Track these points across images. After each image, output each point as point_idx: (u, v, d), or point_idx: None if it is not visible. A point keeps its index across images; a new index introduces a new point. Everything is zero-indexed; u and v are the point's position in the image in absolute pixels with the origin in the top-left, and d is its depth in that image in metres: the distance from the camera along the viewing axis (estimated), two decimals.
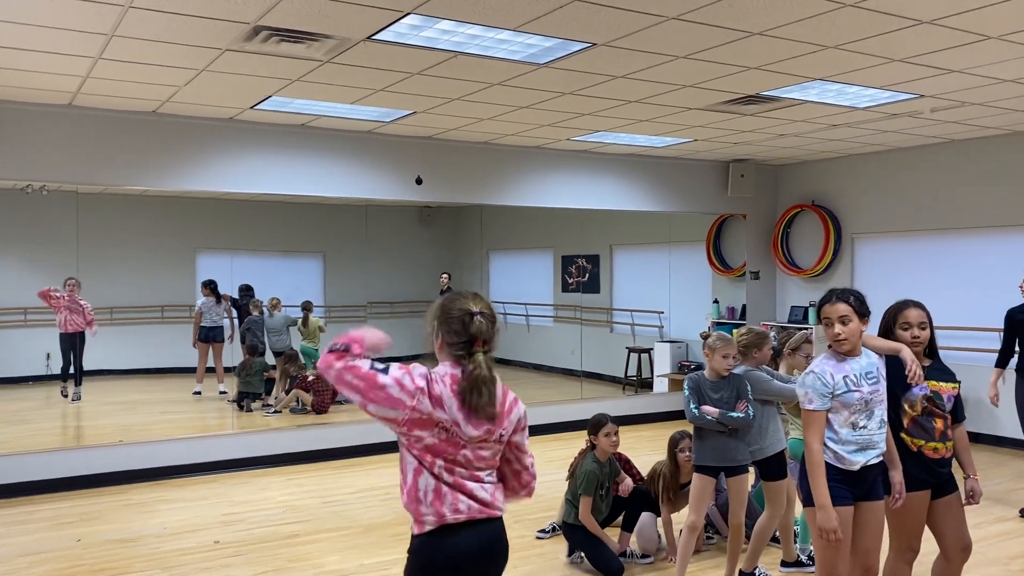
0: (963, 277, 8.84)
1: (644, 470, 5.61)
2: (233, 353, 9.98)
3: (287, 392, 9.71)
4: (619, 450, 5.27)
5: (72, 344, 9.01)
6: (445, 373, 2.38)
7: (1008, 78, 6.07)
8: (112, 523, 6.00)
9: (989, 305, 8.52)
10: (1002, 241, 8.52)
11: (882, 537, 3.58)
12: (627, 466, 5.53)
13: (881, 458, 3.48)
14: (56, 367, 9.26)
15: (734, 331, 4.72)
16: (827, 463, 3.39)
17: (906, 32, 4.97)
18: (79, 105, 6.84)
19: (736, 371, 4.45)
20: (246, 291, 10.59)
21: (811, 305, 10.06)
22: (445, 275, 11.62)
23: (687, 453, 5.03)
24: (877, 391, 3.45)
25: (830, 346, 3.52)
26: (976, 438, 8.65)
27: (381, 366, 2.33)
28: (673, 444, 5.26)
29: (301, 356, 10.13)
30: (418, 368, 2.37)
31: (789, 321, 10.24)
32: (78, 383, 9.00)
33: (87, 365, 9.39)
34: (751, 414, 4.34)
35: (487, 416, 2.35)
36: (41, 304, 9.06)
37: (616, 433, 5.03)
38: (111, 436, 7.86)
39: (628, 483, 5.23)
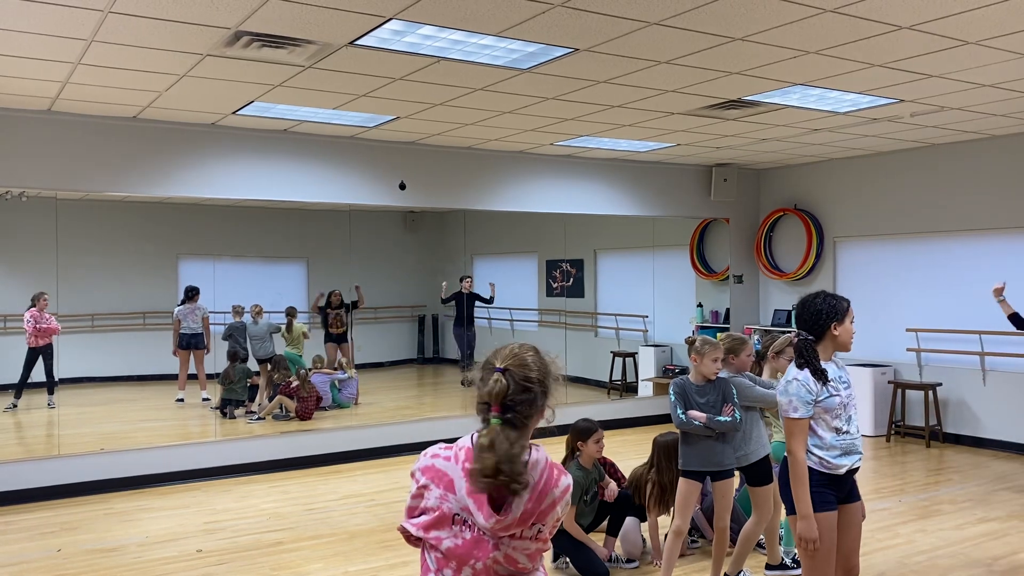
0: (944, 280, 8.91)
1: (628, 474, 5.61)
2: (216, 360, 9.92)
3: (271, 399, 9.66)
4: (603, 454, 5.26)
5: (39, 357, 8.90)
6: (462, 446, 1.98)
7: (986, 83, 6.13)
8: (93, 532, 5.93)
9: (969, 308, 8.60)
10: (983, 244, 8.60)
11: (861, 537, 3.61)
12: (611, 469, 5.52)
13: (861, 463, 3.50)
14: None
15: (717, 335, 4.72)
16: (813, 468, 3.39)
17: (885, 37, 5.01)
18: (59, 111, 6.78)
19: (720, 375, 4.45)
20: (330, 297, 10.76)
21: (794, 309, 10.11)
22: (468, 278, 11.46)
23: None
24: (851, 395, 3.48)
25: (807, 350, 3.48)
26: (958, 439, 8.73)
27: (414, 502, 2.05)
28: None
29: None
30: (424, 456, 2.04)
31: (772, 324, 10.30)
32: (51, 392, 8.91)
33: (69, 372, 9.30)
34: (738, 417, 4.34)
35: (481, 489, 1.90)
36: (19, 311, 8.96)
37: (603, 438, 5.03)
38: (92, 444, 7.78)
39: (613, 488, 5.22)
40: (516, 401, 1.93)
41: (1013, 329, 6.72)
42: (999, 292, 6.53)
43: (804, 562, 3.46)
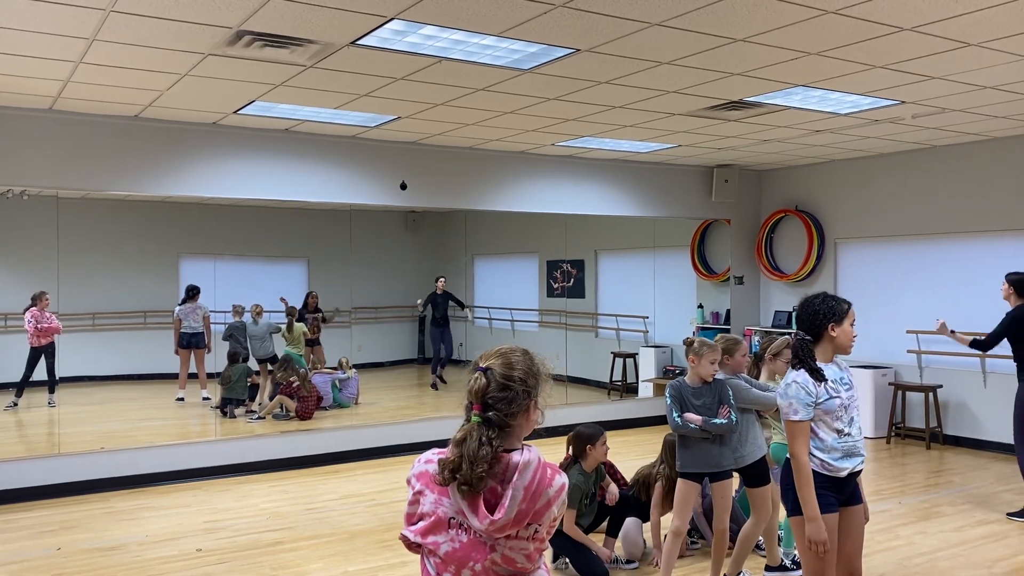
0: (944, 281, 8.91)
1: (629, 475, 5.60)
2: (216, 359, 9.92)
3: (271, 398, 9.66)
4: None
5: (42, 355, 8.90)
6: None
7: (988, 85, 6.13)
8: (93, 531, 5.93)
9: (970, 309, 8.59)
10: (983, 246, 8.59)
11: (863, 540, 3.60)
12: (611, 470, 5.52)
13: (863, 465, 3.49)
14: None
15: (717, 337, 4.72)
16: (814, 470, 3.38)
17: (887, 39, 5.01)
18: (60, 109, 6.78)
19: (716, 376, 4.44)
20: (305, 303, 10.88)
21: (795, 310, 10.11)
22: (441, 279, 11.54)
23: None
24: (853, 396, 3.46)
25: (801, 354, 3.46)
26: (958, 441, 8.72)
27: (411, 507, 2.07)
28: None
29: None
30: (418, 462, 2.06)
31: (773, 326, 10.29)
32: (52, 390, 8.92)
33: (69, 371, 9.30)
34: (734, 419, 4.34)
35: (466, 494, 1.91)
36: (20, 310, 8.97)
37: (607, 439, 5.03)
38: (92, 443, 7.79)
39: (614, 490, 5.21)
40: (496, 399, 1.95)
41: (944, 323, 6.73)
42: (944, 330, 6.49)
43: (806, 563, 3.45)
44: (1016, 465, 6.41)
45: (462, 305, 11.73)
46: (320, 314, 10.87)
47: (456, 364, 11.68)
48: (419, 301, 11.50)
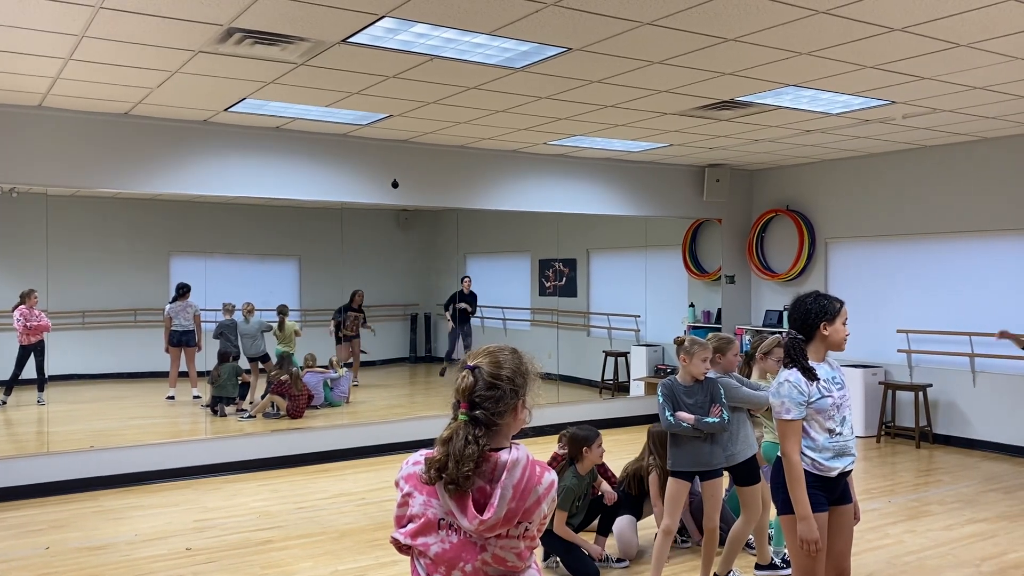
0: (935, 281, 8.94)
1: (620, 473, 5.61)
2: (207, 358, 9.89)
3: (263, 397, 9.64)
4: None
5: (31, 353, 8.87)
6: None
7: (978, 85, 6.15)
8: (82, 530, 5.91)
9: (960, 309, 8.63)
10: (974, 246, 8.62)
11: (852, 539, 3.61)
12: (602, 469, 5.51)
13: (854, 465, 3.50)
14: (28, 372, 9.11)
15: (708, 335, 4.72)
16: (804, 470, 3.37)
17: (878, 39, 5.02)
18: (49, 106, 6.75)
19: (708, 375, 4.45)
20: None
21: (785, 309, 10.13)
22: (467, 278, 11.58)
23: None
24: (845, 396, 3.46)
25: (794, 354, 3.46)
26: (948, 440, 8.76)
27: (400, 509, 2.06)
28: None
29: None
30: (406, 464, 2.05)
31: (764, 325, 10.32)
32: (41, 388, 8.88)
33: (60, 369, 9.26)
34: (726, 417, 4.34)
35: (452, 493, 1.91)
36: (8, 308, 8.93)
37: (603, 442, 5.03)
38: (82, 441, 7.75)
39: (611, 490, 5.21)
40: (483, 398, 1.95)
41: (1005, 329, 6.77)
42: (1008, 336, 6.75)
43: (796, 562, 3.46)
44: (1015, 465, 6.44)
45: (472, 310, 11.77)
46: (363, 312, 10.98)
47: (450, 362, 11.69)
48: (447, 313, 11.64)
